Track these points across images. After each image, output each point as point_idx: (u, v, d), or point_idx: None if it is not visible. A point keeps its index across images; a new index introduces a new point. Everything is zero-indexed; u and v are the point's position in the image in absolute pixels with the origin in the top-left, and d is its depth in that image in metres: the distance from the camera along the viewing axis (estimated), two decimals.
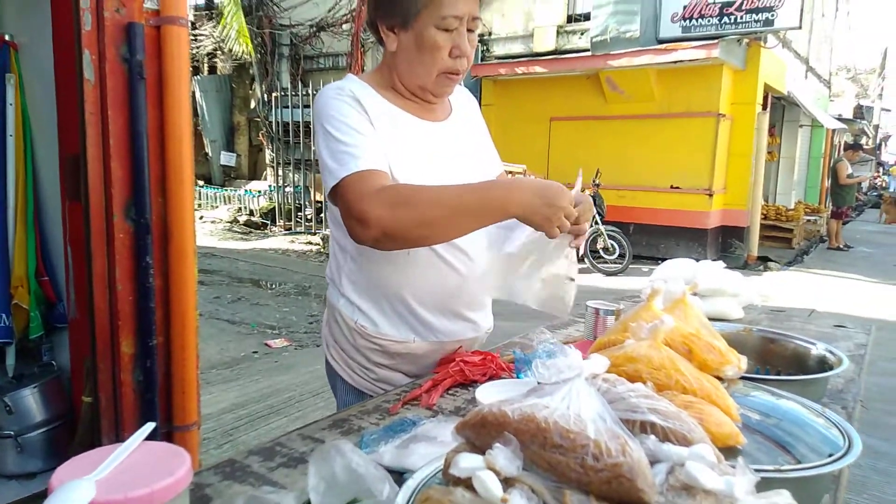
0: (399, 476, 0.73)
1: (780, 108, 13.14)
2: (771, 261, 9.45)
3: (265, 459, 0.89)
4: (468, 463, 0.52)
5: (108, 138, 2.34)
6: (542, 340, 1.21)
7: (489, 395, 1.04)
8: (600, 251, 8.36)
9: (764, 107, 9.72)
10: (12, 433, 2.44)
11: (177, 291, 2.45)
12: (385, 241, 1.12)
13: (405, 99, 1.30)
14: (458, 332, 1.34)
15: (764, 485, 0.69)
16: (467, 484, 0.51)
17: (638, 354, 0.79)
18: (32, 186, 2.87)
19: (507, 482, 0.51)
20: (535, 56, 10.29)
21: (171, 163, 2.41)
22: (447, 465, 0.55)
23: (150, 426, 0.67)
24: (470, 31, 1.22)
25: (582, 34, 9.94)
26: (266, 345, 4.99)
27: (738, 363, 0.87)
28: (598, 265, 8.35)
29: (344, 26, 11.40)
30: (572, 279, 1.23)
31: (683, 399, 0.73)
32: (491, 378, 1.21)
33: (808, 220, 12.21)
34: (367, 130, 1.19)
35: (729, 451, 0.75)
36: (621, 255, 8.29)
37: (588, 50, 9.54)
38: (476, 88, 10.64)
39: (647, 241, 9.62)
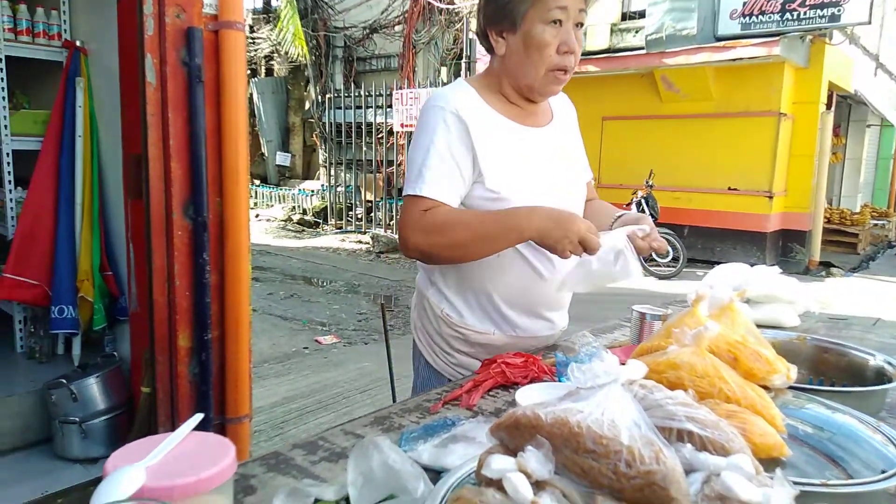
0: (437, 475, 0.74)
1: (846, 107, 12.57)
2: (834, 266, 9.04)
3: (308, 453, 0.91)
4: (500, 464, 0.52)
5: (169, 139, 2.44)
6: (585, 344, 1.20)
7: (529, 397, 1.04)
8: (653, 254, 8.18)
9: (828, 106, 9.32)
10: (77, 419, 2.57)
11: (232, 288, 2.54)
12: (423, 260, 1.32)
13: (509, 104, 1.36)
14: (535, 330, 1.44)
15: (811, 500, 0.67)
16: (499, 485, 0.51)
17: (681, 361, 0.78)
18: (98, 185, 3.01)
19: (539, 485, 0.51)
20: (588, 55, 10.16)
21: (227, 163, 2.50)
22: (480, 465, 0.55)
23: (198, 417, 0.70)
24: (577, 25, 1.27)
25: (636, 32, 9.74)
26: (316, 341, 5.10)
27: (786, 372, 0.84)
28: (651, 268, 8.18)
29: (396, 28, 11.52)
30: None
31: (726, 408, 0.71)
32: (532, 381, 1.21)
33: (876, 225, 11.63)
34: (452, 156, 1.27)
35: (774, 464, 0.73)
36: (675, 259, 8.09)
37: (643, 48, 9.35)
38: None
39: (703, 244, 9.36)
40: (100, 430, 2.66)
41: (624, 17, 10.16)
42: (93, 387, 2.65)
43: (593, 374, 0.59)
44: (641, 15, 9.65)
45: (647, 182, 8.28)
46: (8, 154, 3.04)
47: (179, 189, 2.49)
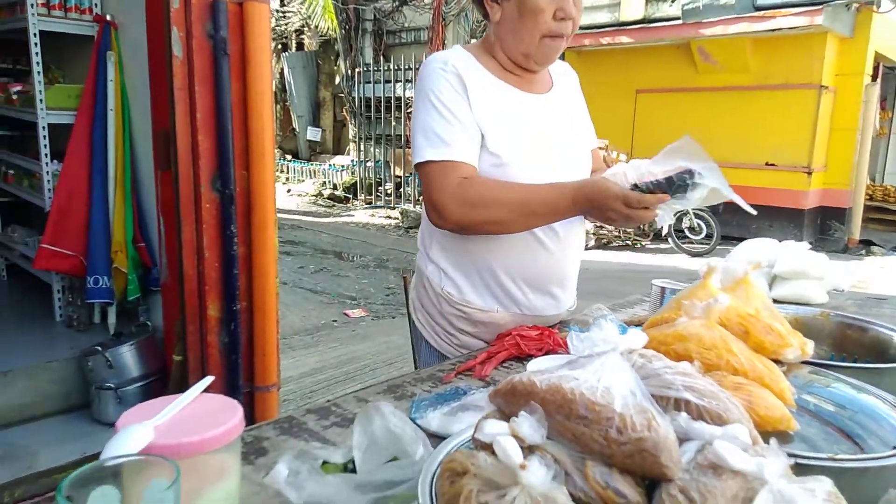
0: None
1: (894, 78, 12.02)
2: (875, 245, 8.76)
3: (320, 418, 0.93)
4: (492, 429, 0.53)
5: (196, 112, 2.47)
6: (600, 317, 1.20)
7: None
8: (686, 231, 8.04)
9: (874, 77, 8.94)
10: (113, 386, 2.67)
11: (259, 259, 2.58)
12: (458, 231, 1.27)
13: (507, 71, 1.33)
14: (541, 308, 1.38)
15: (817, 473, 0.66)
16: (491, 449, 0.52)
17: (689, 333, 0.77)
18: (130, 158, 3.08)
19: (531, 450, 0.52)
20: (621, 25, 9.90)
21: (253, 136, 2.53)
22: (475, 430, 0.56)
23: (208, 380, 0.72)
24: None
25: (672, 2, 9.45)
26: (345, 314, 5.17)
27: (801, 347, 0.83)
28: (683, 245, 8.05)
29: (426, 0, 11.38)
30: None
31: (733, 380, 0.70)
32: (547, 353, 1.21)
33: None
34: (465, 115, 1.24)
35: (783, 437, 0.72)
36: (708, 236, 7.94)
37: (678, 18, 9.07)
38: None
39: (738, 221, 9.14)
40: (134, 396, 2.76)
41: None
42: (127, 355, 2.74)
43: (591, 343, 0.59)
44: None
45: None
46: (44, 128, 3.12)
47: (207, 162, 2.53)
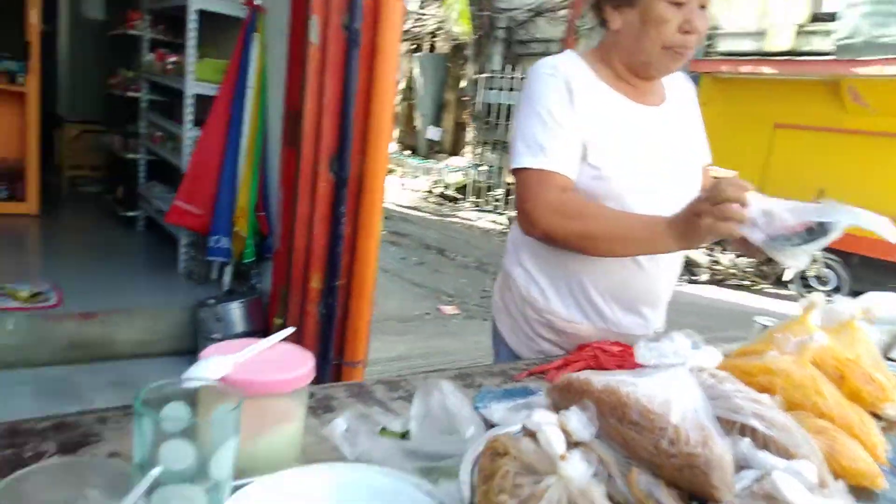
0: None
1: None
2: None
3: (389, 389, 0.96)
4: (541, 418, 0.53)
5: (323, 96, 2.62)
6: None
7: None
8: (812, 279, 7.45)
9: None
10: (219, 337, 2.88)
11: (362, 241, 2.69)
12: (546, 242, 1.23)
13: (621, 80, 1.28)
14: (627, 325, 1.34)
15: None
16: (536, 437, 0.52)
17: (777, 367, 0.72)
18: (262, 133, 3.30)
19: (576, 445, 0.51)
20: (765, 55, 9.33)
21: (373, 125, 2.64)
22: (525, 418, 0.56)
23: (289, 330, 0.77)
24: (702, 6, 1.18)
25: (826, 35, 8.78)
26: (438, 309, 5.25)
27: None
28: (807, 294, 7.46)
29: (560, 12, 11.31)
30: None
31: (816, 423, 0.65)
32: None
33: None
34: (568, 124, 1.21)
35: (865, 494, 0.66)
36: (837, 289, 7.31)
37: (830, 53, 8.42)
38: (694, 91, 9.94)
39: (875, 277, 8.32)
40: None
41: (814, 18, 9.17)
42: (235, 311, 2.95)
43: (660, 354, 0.58)
44: (833, 17, 8.67)
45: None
46: (190, 97, 3.42)
47: (328, 144, 2.67)
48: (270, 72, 3.25)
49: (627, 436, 0.50)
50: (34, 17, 4.45)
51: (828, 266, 7.28)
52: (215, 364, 0.65)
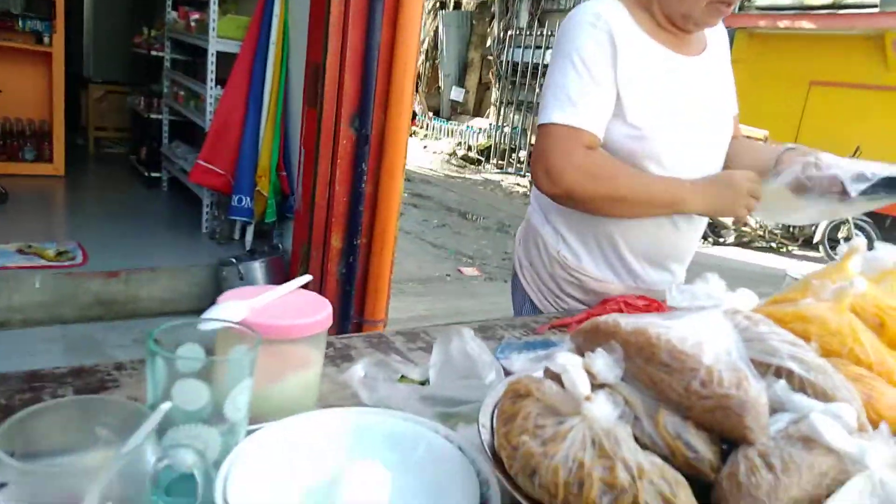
0: None
1: None
2: None
3: (408, 340, 0.95)
4: (565, 360, 0.50)
5: (346, 51, 2.57)
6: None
7: None
8: (841, 241, 7.26)
9: None
10: None
11: (383, 200, 2.67)
12: (565, 201, 1.20)
13: (660, 28, 1.22)
14: (657, 283, 1.33)
15: None
16: (560, 380, 0.50)
17: (812, 314, 0.69)
18: (284, 91, 3.26)
19: (602, 387, 0.49)
20: (806, 9, 8.94)
21: (395, 82, 2.58)
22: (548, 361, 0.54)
23: (307, 277, 0.76)
24: None
25: None
26: (459, 270, 5.24)
27: None
28: (836, 256, 7.29)
29: None
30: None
31: (854, 370, 0.62)
32: None
33: None
34: (606, 80, 1.15)
35: None
36: (867, 250, 7.12)
37: (875, 6, 8.03)
38: (728, 40, 9.59)
39: None
40: None
41: None
42: (257, 270, 2.97)
43: (692, 296, 0.55)
44: None
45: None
46: (213, 54, 3.39)
47: (349, 101, 2.63)
48: (293, 27, 3.20)
49: (656, 377, 0.48)
50: None
51: (858, 227, 7.09)
52: (232, 308, 0.64)
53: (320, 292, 2.96)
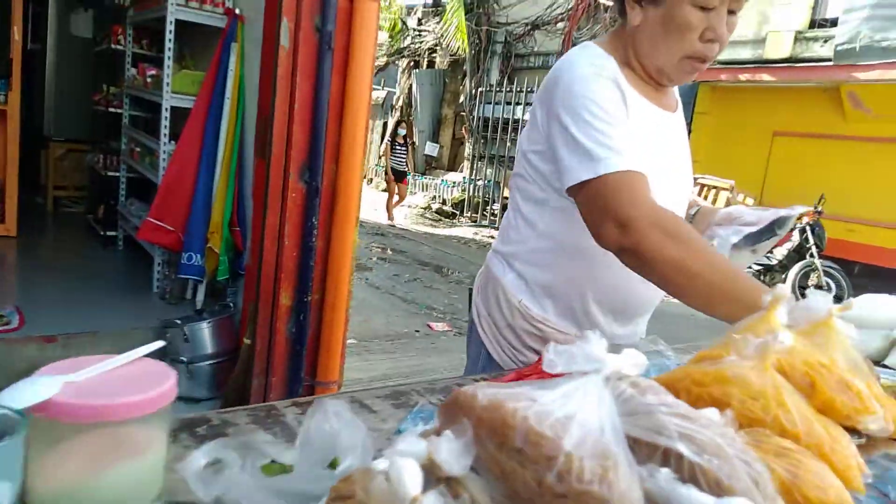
0: None
1: None
2: None
3: (302, 413, 0.84)
4: (405, 447, 0.40)
5: (294, 102, 2.51)
6: (653, 351, 1.02)
7: None
8: (811, 288, 7.28)
9: None
10: (185, 360, 2.75)
11: (336, 254, 2.57)
12: (627, 257, 1.01)
13: (640, 80, 1.17)
14: (619, 337, 1.27)
15: None
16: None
17: (733, 375, 0.60)
18: (238, 145, 3.20)
19: (447, 482, 0.39)
20: (764, 63, 9.26)
21: (346, 132, 2.53)
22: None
23: (158, 344, 0.65)
24: (731, 12, 1.07)
25: (825, 41, 8.71)
26: (428, 326, 5.12)
27: (892, 418, 0.63)
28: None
29: (558, 25, 11.30)
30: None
31: (777, 443, 0.53)
32: None
33: None
34: (624, 125, 1.07)
35: None
36: (838, 298, 7.14)
37: (829, 60, 8.34)
38: (691, 94, 9.86)
39: (876, 286, 8.16)
40: (205, 373, 2.83)
41: (812, 24, 9.11)
42: (203, 331, 2.82)
43: (569, 358, 0.45)
44: (834, 23, 8.60)
45: (815, 207, 7.36)
46: (167, 109, 3.33)
47: (298, 152, 2.56)
48: (248, 81, 3.16)
49: (507, 467, 0.38)
50: (17, 33, 4.39)
51: (827, 274, 7.13)
52: (39, 384, 0.53)
53: (268, 353, 2.79)
